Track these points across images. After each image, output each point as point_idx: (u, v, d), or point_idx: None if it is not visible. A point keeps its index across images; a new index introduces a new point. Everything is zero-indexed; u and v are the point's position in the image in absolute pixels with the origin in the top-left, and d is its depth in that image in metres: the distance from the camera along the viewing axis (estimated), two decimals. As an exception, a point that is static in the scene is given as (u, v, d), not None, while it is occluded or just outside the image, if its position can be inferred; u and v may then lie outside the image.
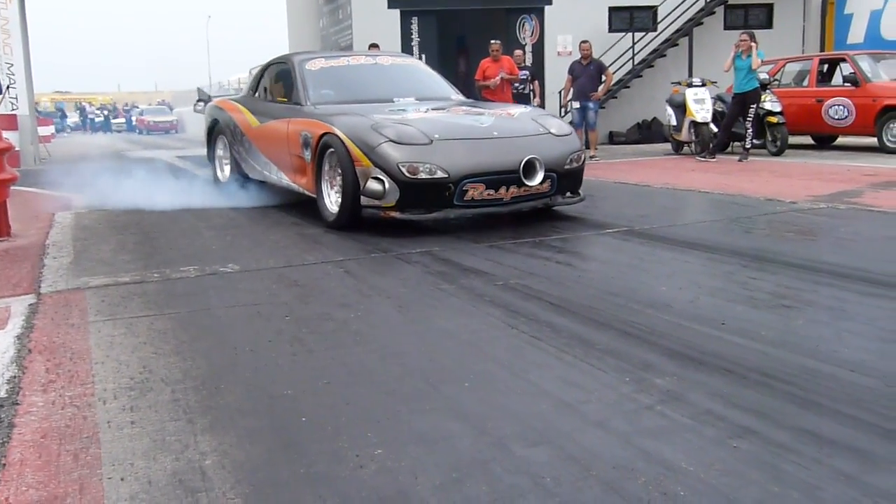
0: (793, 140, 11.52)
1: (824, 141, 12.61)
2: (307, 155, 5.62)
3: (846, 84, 11.26)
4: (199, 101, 8.41)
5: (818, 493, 1.72)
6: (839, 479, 1.78)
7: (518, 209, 5.26)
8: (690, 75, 13.76)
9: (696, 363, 2.56)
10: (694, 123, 11.07)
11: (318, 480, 1.85)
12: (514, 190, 5.07)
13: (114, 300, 3.60)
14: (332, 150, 5.26)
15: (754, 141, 10.49)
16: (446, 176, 4.86)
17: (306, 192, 5.84)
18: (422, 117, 5.45)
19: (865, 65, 11.21)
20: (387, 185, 4.87)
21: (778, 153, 10.78)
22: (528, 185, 5.08)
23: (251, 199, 6.81)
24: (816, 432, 2.02)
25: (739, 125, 10.52)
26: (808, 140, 12.70)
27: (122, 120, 44.55)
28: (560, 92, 12.61)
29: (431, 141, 4.99)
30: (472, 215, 5.11)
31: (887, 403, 2.19)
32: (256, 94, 7.21)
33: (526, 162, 5.02)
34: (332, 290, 3.71)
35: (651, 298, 3.39)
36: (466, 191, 4.93)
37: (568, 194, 5.55)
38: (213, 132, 7.79)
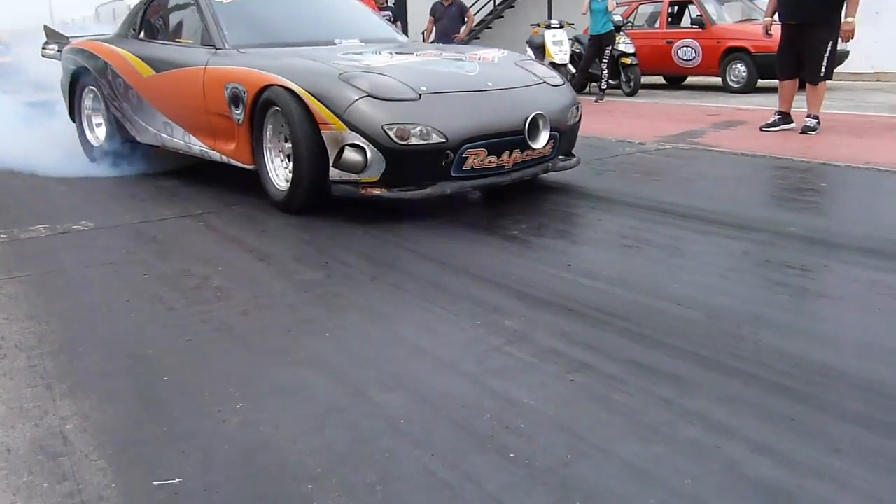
0: (645, 80, 12.09)
1: (675, 81, 13.26)
2: (238, 115, 4.38)
3: (694, 26, 11.83)
4: (47, 42, 6.92)
5: (640, 418, 1.94)
6: (659, 404, 2.01)
7: (520, 177, 4.33)
8: (550, 17, 14.05)
9: (543, 304, 2.75)
10: (553, 65, 11.35)
11: (181, 437, 1.91)
12: (516, 155, 4.18)
13: (-42, 264, 3.46)
14: (277, 107, 4.12)
15: (610, 82, 10.94)
16: (444, 140, 3.87)
17: (234, 162, 4.61)
18: (391, 64, 4.31)
19: (711, 7, 11.81)
20: (369, 155, 3.83)
21: (632, 94, 11.27)
22: (531, 148, 4.20)
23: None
24: (643, 363, 2.24)
25: (596, 66, 10.92)
26: (661, 80, 13.33)
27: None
28: (422, 33, 12.59)
29: (420, 95, 3.97)
30: (471, 188, 4.20)
31: (706, 333, 2.45)
32: (141, 35, 5.71)
33: (531, 120, 4.14)
34: (191, 246, 3.69)
35: (503, 244, 3.57)
36: (466, 158, 3.97)
37: (561, 157, 4.65)
38: (77, 84, 6.17)
